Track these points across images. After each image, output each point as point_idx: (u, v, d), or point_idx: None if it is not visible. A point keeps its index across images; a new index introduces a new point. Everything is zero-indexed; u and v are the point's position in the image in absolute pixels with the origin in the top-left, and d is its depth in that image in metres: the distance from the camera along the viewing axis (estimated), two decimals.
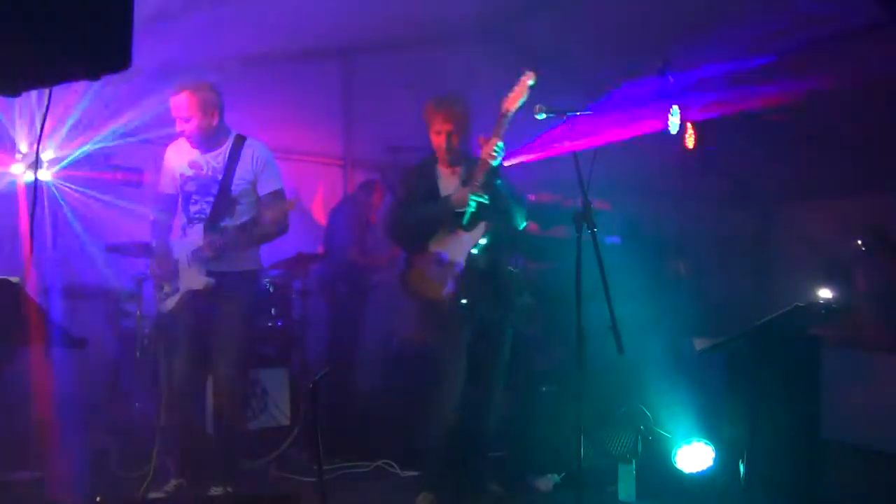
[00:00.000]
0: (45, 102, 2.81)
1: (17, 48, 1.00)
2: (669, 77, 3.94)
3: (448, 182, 3.20)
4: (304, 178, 6.08)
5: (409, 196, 3.27)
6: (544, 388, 3.90)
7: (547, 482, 3.59)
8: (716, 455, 3.38)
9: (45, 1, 0.99)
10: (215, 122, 3.10)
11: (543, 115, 2.74)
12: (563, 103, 2.78)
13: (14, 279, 1.91)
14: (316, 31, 4.80)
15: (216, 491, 3.14)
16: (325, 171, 6.19)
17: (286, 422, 4.03)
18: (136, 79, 4.39)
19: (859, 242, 4.65)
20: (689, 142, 4.19)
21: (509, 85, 2.91)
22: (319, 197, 6.15)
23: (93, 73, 1.09)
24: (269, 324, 4.32)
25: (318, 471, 2.25)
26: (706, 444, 3.39)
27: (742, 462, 3.10)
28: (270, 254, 5.45)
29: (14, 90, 1.22)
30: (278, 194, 3.19)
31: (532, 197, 4.19)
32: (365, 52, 5.16)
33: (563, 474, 3.61)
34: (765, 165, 6.34)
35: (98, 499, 3.12)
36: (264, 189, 3.17)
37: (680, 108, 4.00)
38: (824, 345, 3.70)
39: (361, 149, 6.06)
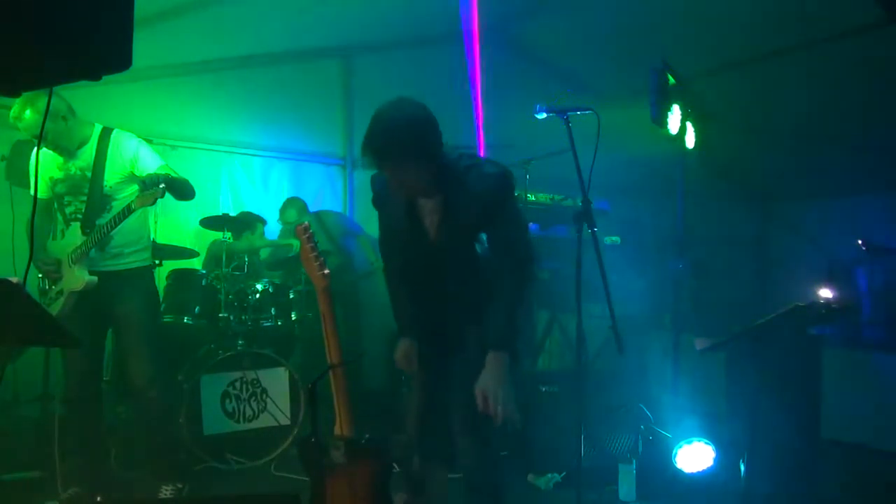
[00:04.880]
0: (46, 103, 2.84)
1: (17, 48, 1.00)
2: (669, 77, 3.93)
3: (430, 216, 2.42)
4: (304, 178, 6.09)
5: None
6: (544, 388, 3.90)
7: (547, 482, 3.59)
8: (716, 455, 3.38)
9: (46, 1, 0.99)
10: (70, 123, 3.04)
11: (544, 115, 2.74)
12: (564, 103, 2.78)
13: (14, 279, 1.91)
14: (316, 31, 4.79)
15: (166, 491, 3.15)
16: (325, 170, 6.20)
17: (286, 422, 4.03)
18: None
19: (859, 242, 4.65)
20: (689, 142, 4.18)
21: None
22: (321, 197, 6.16)
23: (93, 74, 1.08)
24: (269, 324, 4.33)
25: (317, 471, 2.25)
26: (706, 444, 3.39)
27: (742, 462, 3.10)
28: (272, 254, 5.50)
29: (14, 90, 1.22)
30: (164, 168, 3.10)
31: (532, 197, 4.20)
32: (365, 52, 5.16)
33: (563, 474, 3.61)
34: (765, 165, 6.34)
35: (98, 499, 3.12)
36: (150, 170, 3.07)
37: (680, 108, 3.99)
38: (824, 345, 3.70)
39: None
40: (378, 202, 2.54)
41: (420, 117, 2.18)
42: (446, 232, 2.37)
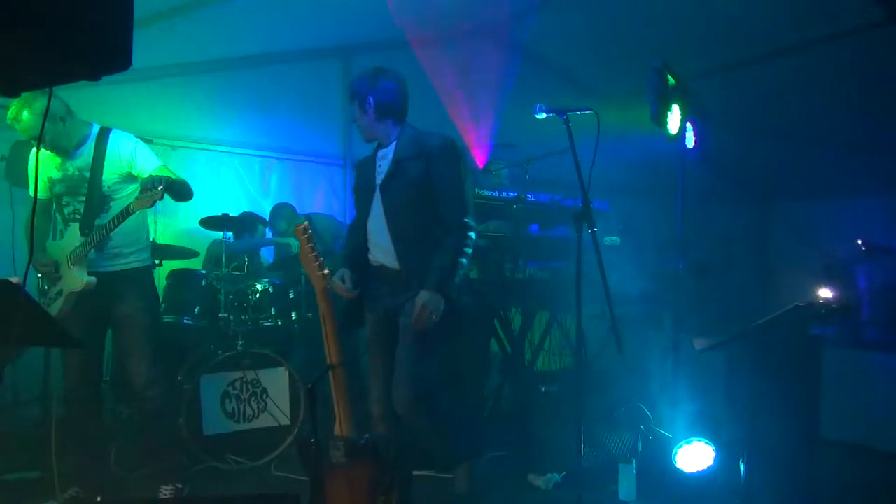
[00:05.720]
0: (43, 104, 2.83)
1: (17, 48, 1.00)
2: (669, 77, 3.93)
3: (382, 161, 2.88)
4: (304, 178, 6.09)
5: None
6: (544, 388, 3.90)
7: (547, 482, 3.59)
8: (716, 455, 3.38)
9: (46, 1, 0.99)
10: (68, 124, 3.03)
11: (543, 115, 2.74)
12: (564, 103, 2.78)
13: (14, 279, 1.91)
14: (316, 31, 4.80)
15: (166, 491, 3.15)
16: (325, 170, 6.20)
17: (286, 422, 4.03)
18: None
19: (859, 242, 4.65)
20: (689, 141, 4.18)
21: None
22: (320, 197, 6.16)
23: (93, 74, 1.08)
24: (269, 324, 4.33)
25: (317, 471, 2.25)
26: (706, 443, 3.39)
27: (742, 462, 3.10)
28: (272, 254, 5.50)
29: (14, 90, 1.22)
30: (162, 169, 3.10)
31: (532, 197, 4.19)
32: (365, 52, 5.16)
33: (564, 474, 3.61)
34: (765, 165, 6.34)
35: (98, 499, 3.12)
36: (149, 171, 3.08)
37: (680, 108, 3.99)
38: (824, 345, 3.70)
39: (361, 149, 6.05)
40: (354, 184, 3.03)
41: (381, 80, 2.78)
42: (392, 174, 2.77)
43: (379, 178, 2.83)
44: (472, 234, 2.77)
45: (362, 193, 2.92)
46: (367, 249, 2.89)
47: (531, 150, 4.17)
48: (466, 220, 2.75)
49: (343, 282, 2.80)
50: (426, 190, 2.73)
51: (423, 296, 2.64)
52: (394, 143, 2.84)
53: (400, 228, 2.76)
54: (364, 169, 2.97)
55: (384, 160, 2.85)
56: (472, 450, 3.03)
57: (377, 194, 2.82)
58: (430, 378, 2.76)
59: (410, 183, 2.73)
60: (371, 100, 2.79)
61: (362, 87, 2.80)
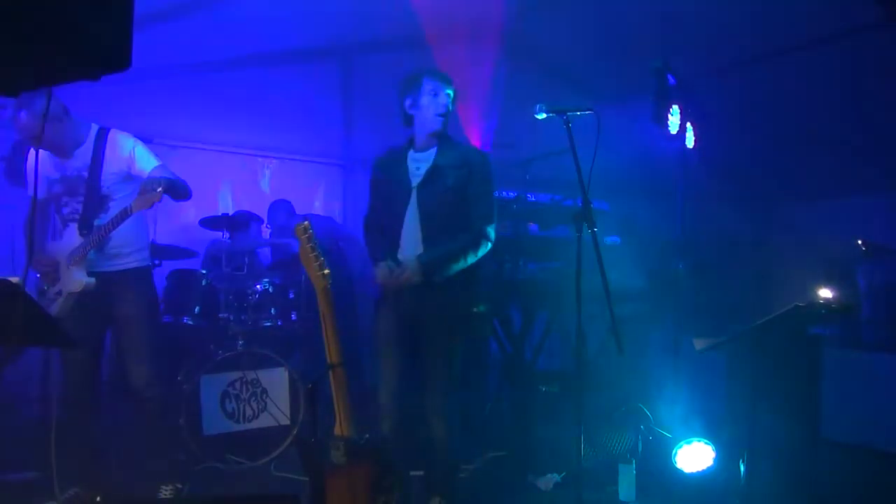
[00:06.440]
0: (41, 104, 2.83)
1: (16, 48, 1.00)
2: (669, 77, 3.93)
3: (416, 164, 2.95)
4: (304, 178, 6.10)
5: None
6: (544, 388, 3.90)
7: (547, 482, 3.59)
8: (716, 455, 3.38)
9: (44, 1, 0.99)
10: (66, 124, 3.02)
11: (544, 115, 2.73)
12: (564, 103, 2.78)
13: (14, 279, 1.91)
14: (316, 31, 4.79)
15: (166, 491, 3.16)
16: (325, 170, 6.20)
17: (286, 422, 4.03)
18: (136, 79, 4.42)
19: (859, 242, 4.65)
20: (689, 141, 4.18)
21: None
22: (319, 197, 6.16)
23: (92, 74, 1.08)
24: (269, 324, 4.33)
25: (317, 471, 2.25)
26: (706, 443, 3.39)
27: (742, 462, 3.10)
28: (272, 254, 5.50)
29: (14, 90, 1.22)
30: (161, 168, 3.11)
31: (532, 197, 4.19)
32: (365, 52, 5.16)
33: (563, 474, 3.61)
34: (765, 165, 6.34)
35: (98, 499, 3.12)
36: (148, 171, 3.09)
37: (680, 108, 3.99)
38: (824, 345, 3.70)
39: (361, 149, 6.07)
40: (375, 179, 3.07)
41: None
42: (430, 178, 2.84)
43: (415, 181, 2.88)
44: (488, 245, 2.89)
45: (391, 191, 2.95)
46: (398, 247, 2.90)
47: (531, 150, 4.17)
48: (489, 230, 2.87)
49: (391, 273, 2.81)
50: (462, 197, 2.84)
51: (410, 263, 2.77)
52: (434, 149, 2.91)
53: (433, 232, 2.83)
54: (389, 166, 2.99)
55: (422, 163, 2.90)
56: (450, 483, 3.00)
57: (413, 196, 2.87)
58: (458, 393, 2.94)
59: (449, 189, 2.82)
60: (453, 96, 2.92)
61: (449, 83, 2.91)
